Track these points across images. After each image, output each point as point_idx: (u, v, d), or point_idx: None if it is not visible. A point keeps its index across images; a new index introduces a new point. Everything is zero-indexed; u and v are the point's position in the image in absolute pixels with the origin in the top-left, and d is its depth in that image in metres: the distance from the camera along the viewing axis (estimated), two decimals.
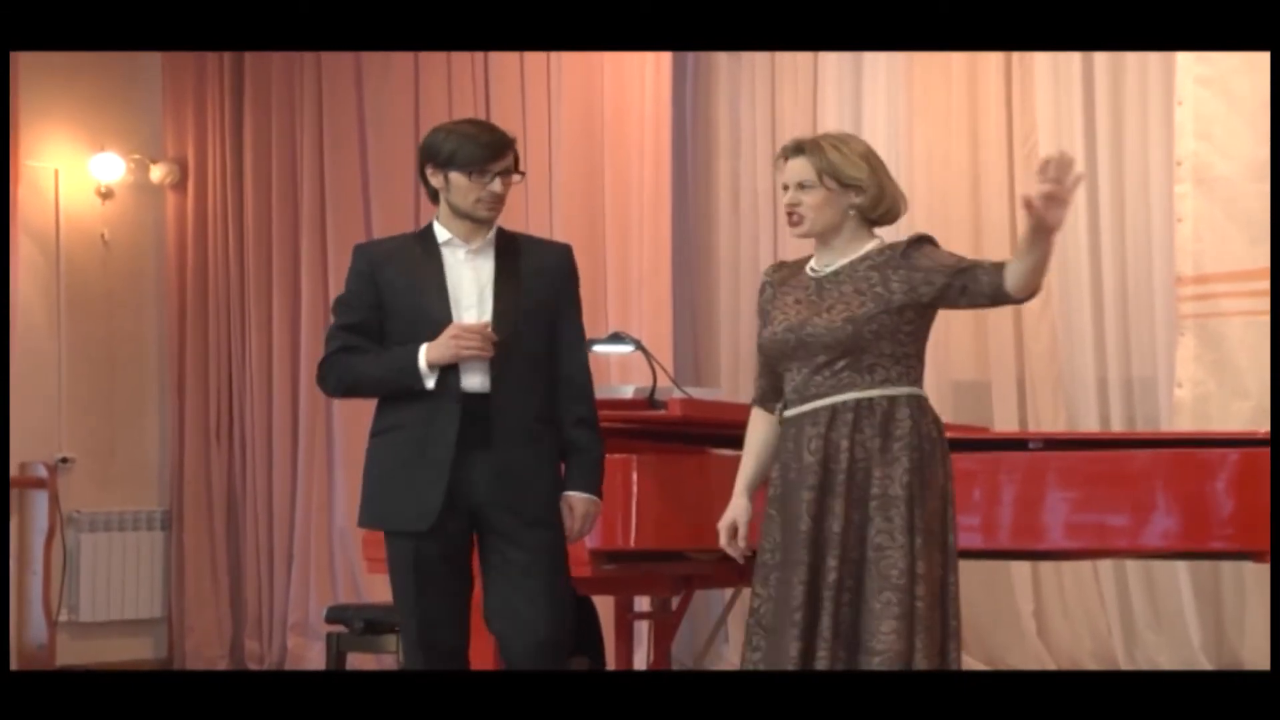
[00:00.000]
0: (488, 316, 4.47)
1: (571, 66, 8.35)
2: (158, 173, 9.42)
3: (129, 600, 9.25)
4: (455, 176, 4.51)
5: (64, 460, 9.03)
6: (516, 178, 4.56)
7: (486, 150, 4.51)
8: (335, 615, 7.08)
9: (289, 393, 9.17)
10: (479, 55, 8.67)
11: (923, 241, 4.19)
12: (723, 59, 8.24)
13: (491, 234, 4.58)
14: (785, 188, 4.25)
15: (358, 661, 7.74)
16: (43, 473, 8.79)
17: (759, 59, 8.10)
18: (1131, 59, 7.16)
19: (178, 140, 9.51)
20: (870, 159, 4.22)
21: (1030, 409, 7.35)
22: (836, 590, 4.04)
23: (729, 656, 7.99)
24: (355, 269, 4.62)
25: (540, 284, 4.55)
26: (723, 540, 4.29)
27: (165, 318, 9.47)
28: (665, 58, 8.10)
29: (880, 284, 4.13)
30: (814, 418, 4.13)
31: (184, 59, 9.42)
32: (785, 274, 4.32)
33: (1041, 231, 3.92)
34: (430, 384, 4.45)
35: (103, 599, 9.15)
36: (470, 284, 4.53)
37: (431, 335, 4.45)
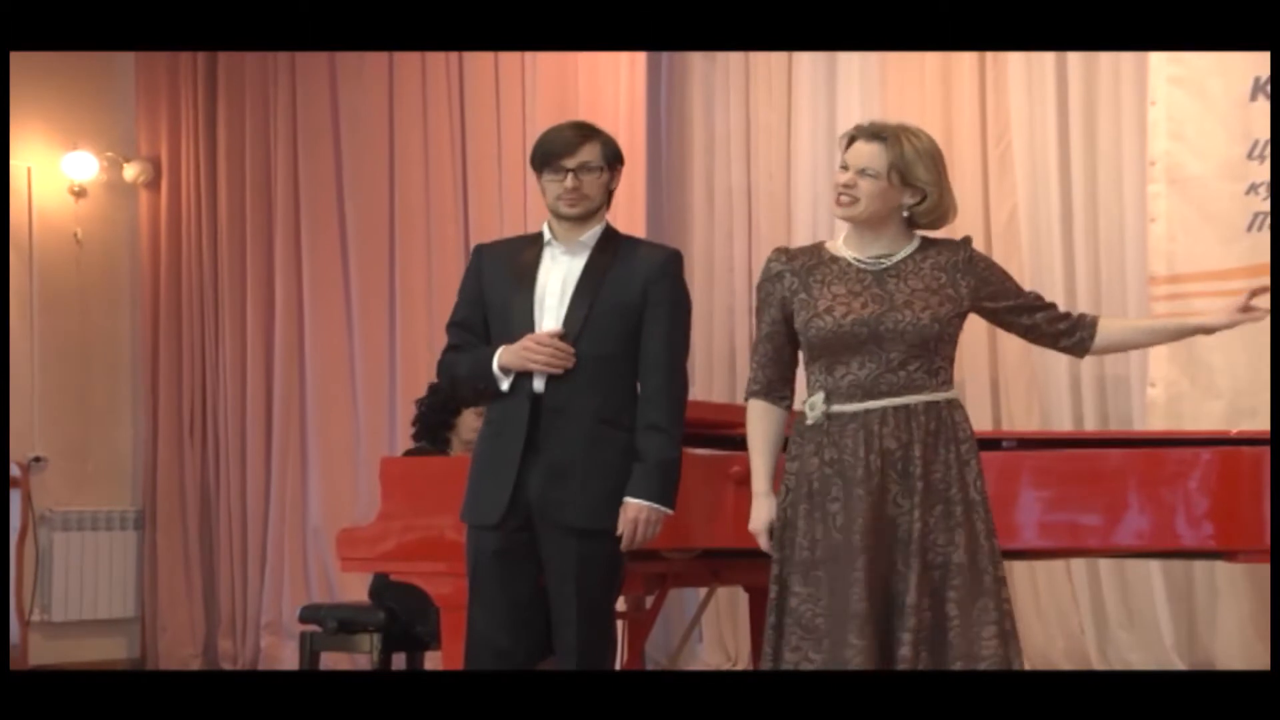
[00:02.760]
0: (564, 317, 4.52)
1: (546, 66, 8.35)
2: (131, 171, 9.40)
3: (102, 600, 9.24)
4: (542, 176, 4.60)
5: (37, 459, 9.01)
6: (593, 175, 4.56)
7: (557, 145, 4.57)
8: (309, 615, 7.08)
9: (263, 392, 9.16)
10: (453, 56, 8.67)
11: (971, 245, 4.26)
12: (697, 59, 8.24)
13: (591, 234, 4.60)
14: (844, 167, 4.18)
15: (331, 661, 7.74)
16: (15, 472, 8.76)
17: (733, 58, 8.11)
18: (1105, 59, 7.17)
19: (151, 139, 9.50)
20: (939, 162, 4.21)
21: (1004, 408, 7.36)
22: (918, 594, 4.00)
23: (703, 655, 8.00)
24: (469, 266, 4.74)
25: (624, 286, 4.54)
26: (763, 543, 4.21)
27: (139, 317, 9.46)
28: (640, 57, 8.10)
29: (950, 285, 4.15)
30: (883, 416, 4.09)
31: (157, 58, 9.40)
32: (808, 261, 4.23)
33: (1210, 330, 4.16)
34: (504, 386, 4.52)
35: (75, 598, 9.13)
36: (556, 284, 4.57)
37: (516, 333, 4.52)
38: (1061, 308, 4.34)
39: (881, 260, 4.19)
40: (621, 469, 4.51)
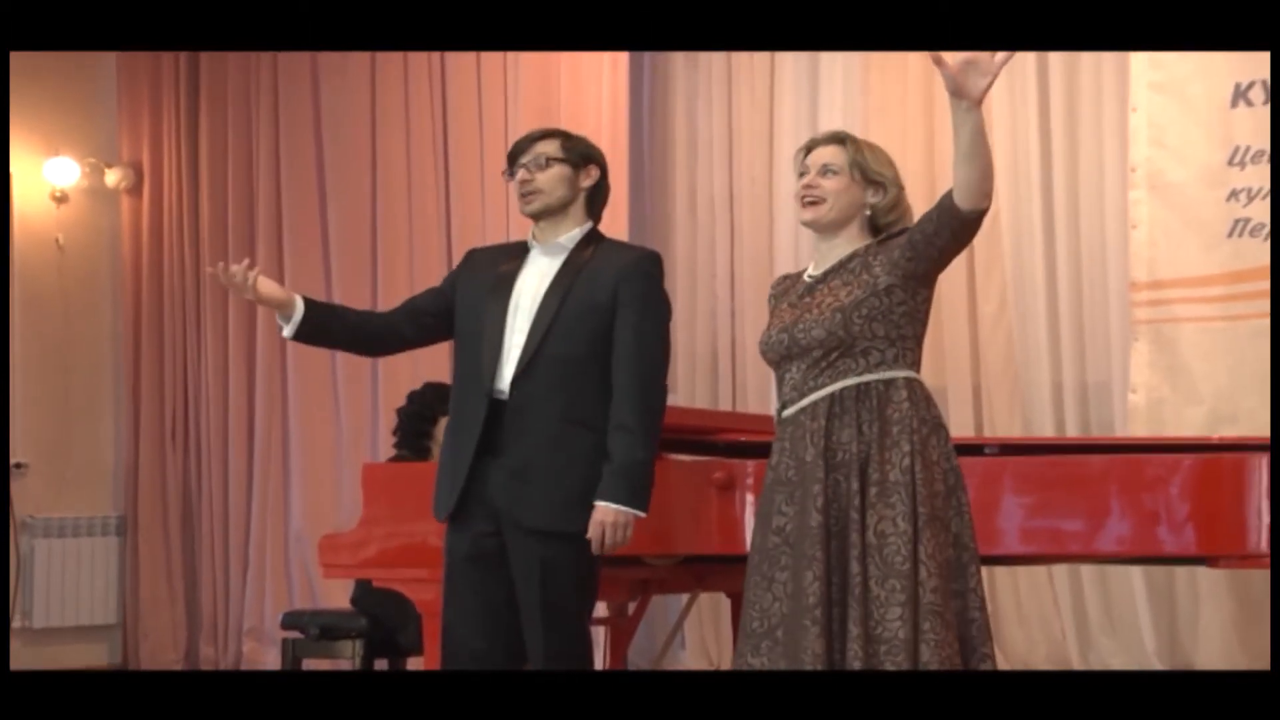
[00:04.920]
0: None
1: (528, 71, 8.36)
2: (113, 177, 9.39)
3: (83, 606, 9.22)
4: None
5: (18, 465, 8.99)
6: (545, 169, 4.57)
7: (515, 147, 4.64)
8: (291, 621, 7.07)
9: (244, 397, 9.15)
10: (435, 57, 8.67)
11: (902, 231, 4.19)
12: (679, 62, 8.25)
13: (569, 236, 4.59)
14: (802, 174, 4.20)
15: (313, 667, 7.72)
16: None
17: (716, 62, 8.12)
18: (1086, 65, 7.19)
19: (133, 144, 9.48)
20: (894, 167, 4.25)
21: (986, 414, 7.37)
22: (861, 582, 3.98)
23: (686, 661, 8.00)
24: (458, 265, 4.79)
25: (596, 286, 4.49)
26: None
27: (120, 322, 9.45)
28: (622, 60, 8.11)
29: (864, 271, 4.12)
30: (813, 411, 4.09)
31: (138, 62, 9.39)
32: (786, 285, 4.31)
33: (959, 99, 3.89)
34: (286, 331, 4.64)
35: (57, 605, 9.11)
36: (532, 285, 4.56)
37: (488, 335, 4.50)
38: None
39: (821, 270, 4.21)
40: (590, 470, 4.42)
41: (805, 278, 4.25)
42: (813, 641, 3.97)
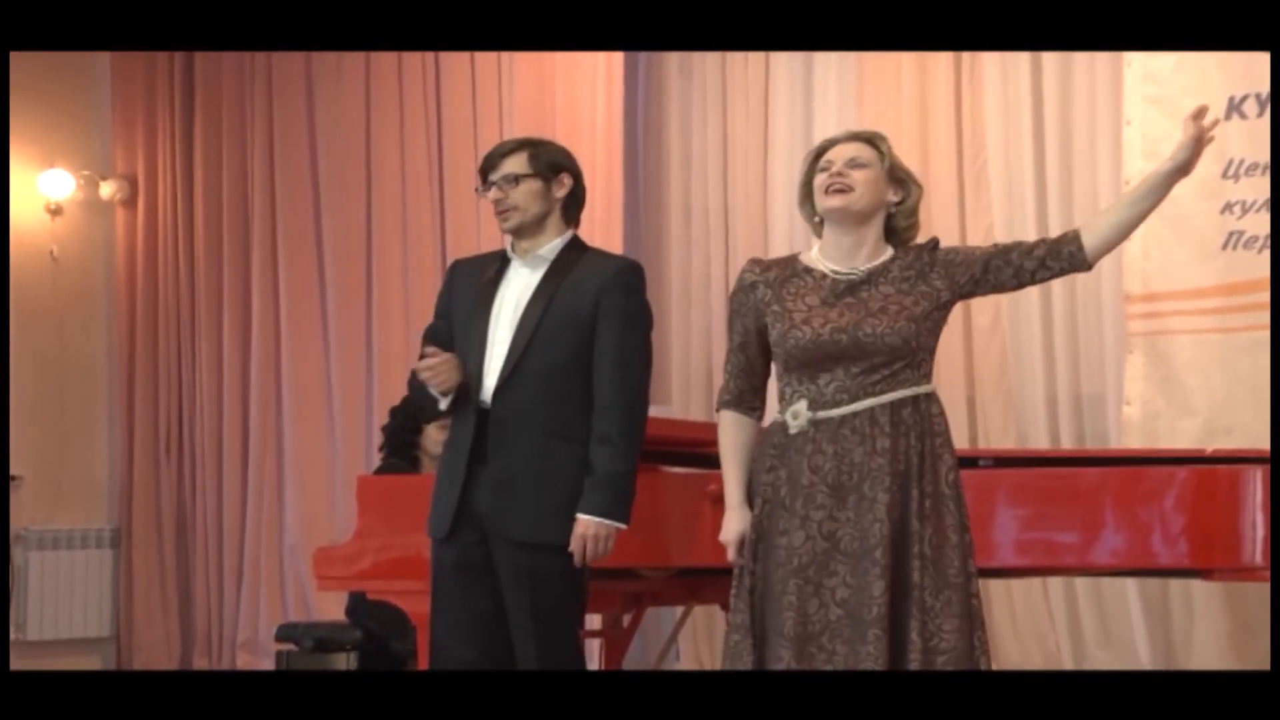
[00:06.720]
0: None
1: (523, 78, 8.37)
2: (107, 189, 9.40)
3: (77, 618, 9.21)
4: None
5: (13, 477, 8.97)
6: (518, 185, 4.54)
7: (485, 163, 4.60)
8: (285, 633, 7.07)
9: (239, 409, 9.15)
10: (430, 66, 8.68)
11: (938, 245, 4.21)
12: (674, 75, 8.25)
13: (550, 247, 4.57)
14: (824, 167, 4.16)
15: None
16: None
17: (710, 74, 8.12)
18: (1080, 78, 7.20)
19: (127, 156, 9.49)
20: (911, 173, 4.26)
21: (980, 426, 7.37)
22: (920, 594, 4.00)
23: None
24: (444, 281, 4.76)
25: (576, 296, 4.48)
26: (731, 554, 4.16)
27: (115, 334, 9.45)
28: (617, 73, 8.11)
29: (922, 282, 4.13)
30: (871, 416, 4.06)
31: (133, 74, 9.40)
32: (780, 273, 4.19)
33: (1179, 172, 4.04)
34: (443, 405, 4.50)
35: (51, 617, 9.11)
36: (513, 298, 4.55)
37: (473, 349, 4.50)
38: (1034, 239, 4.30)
39: (855, 271, 4.16)
40: (573, 481, 4.43)
41: (829, 271, 4.17)
42: (882, 650, 3.95)
